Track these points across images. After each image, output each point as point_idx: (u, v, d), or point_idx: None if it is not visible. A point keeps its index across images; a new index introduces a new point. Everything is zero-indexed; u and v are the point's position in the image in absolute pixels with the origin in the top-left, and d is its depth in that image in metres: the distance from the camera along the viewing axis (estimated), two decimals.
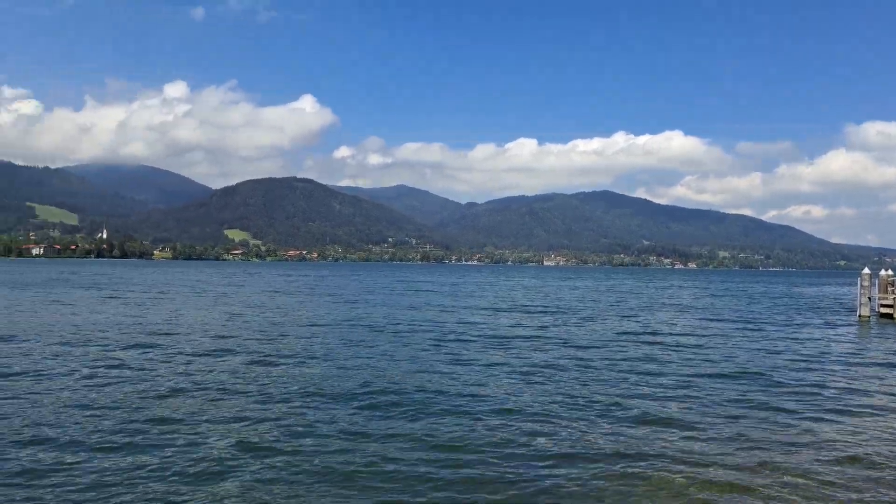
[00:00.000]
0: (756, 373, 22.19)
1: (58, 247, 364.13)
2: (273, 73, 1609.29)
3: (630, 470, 11.96)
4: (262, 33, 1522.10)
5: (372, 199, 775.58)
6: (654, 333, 33.66)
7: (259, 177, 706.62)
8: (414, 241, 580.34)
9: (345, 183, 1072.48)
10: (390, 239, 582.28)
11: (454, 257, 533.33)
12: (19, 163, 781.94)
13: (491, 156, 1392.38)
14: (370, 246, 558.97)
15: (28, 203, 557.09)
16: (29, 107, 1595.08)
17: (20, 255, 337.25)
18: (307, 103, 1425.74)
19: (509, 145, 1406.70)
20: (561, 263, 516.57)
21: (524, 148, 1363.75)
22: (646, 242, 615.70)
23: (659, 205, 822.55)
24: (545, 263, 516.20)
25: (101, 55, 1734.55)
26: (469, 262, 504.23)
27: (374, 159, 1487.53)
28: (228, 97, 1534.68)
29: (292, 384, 18.33)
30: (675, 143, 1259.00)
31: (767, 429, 14.97)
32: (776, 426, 15.22)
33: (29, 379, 18.26)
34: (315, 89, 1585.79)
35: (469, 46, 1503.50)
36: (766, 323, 41.83)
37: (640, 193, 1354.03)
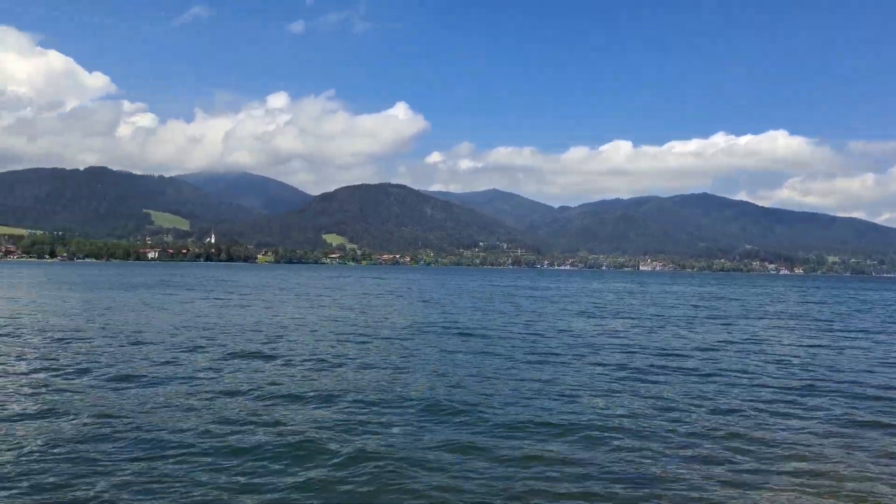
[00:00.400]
0: (871, 388, 20.65)
1: (171, 251, 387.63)
2: (368, 82, 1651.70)
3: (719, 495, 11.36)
4: (358, 43, 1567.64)
5: (463, 203, 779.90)
6: (757, 342, 32.01)
7: (355, 183, 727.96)
8: (505, 246, 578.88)
9: (436, 188, 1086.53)
10: (481, 243, 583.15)
11: (546, 262, 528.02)
12: (137, 172, 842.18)
13: (584, 158, 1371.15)
14: (461, 250, 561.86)
15: (145, 210, 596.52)
16: (145, 119, 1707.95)
17: (138, 258, 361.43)
18: (400, 110, 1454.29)
19: (603, 148, 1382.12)
20: (658, 269, 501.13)
21: (619, 150, 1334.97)
22: (748, 247, 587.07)
23: (762, 208, 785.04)
24: (641, 268, 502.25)
25: (210, 69, 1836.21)
26: (561, 267, 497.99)
27: (465, 164, 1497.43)
28: (326, 106, 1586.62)
29: (388, 390, 18.52)
30: (779, 143, 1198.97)
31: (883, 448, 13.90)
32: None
33: (146, 382, 19.13)
34: (408, 96, 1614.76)
35: (560, 50, 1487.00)
36: (878, 333, 38.89)
37: (742, 196, 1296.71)
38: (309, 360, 22.80)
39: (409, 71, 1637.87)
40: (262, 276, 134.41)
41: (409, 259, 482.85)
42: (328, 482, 11.20)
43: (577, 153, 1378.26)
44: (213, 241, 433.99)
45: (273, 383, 18.81)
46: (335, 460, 12.23)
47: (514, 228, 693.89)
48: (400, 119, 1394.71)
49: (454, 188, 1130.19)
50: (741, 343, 31.71)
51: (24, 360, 21.89)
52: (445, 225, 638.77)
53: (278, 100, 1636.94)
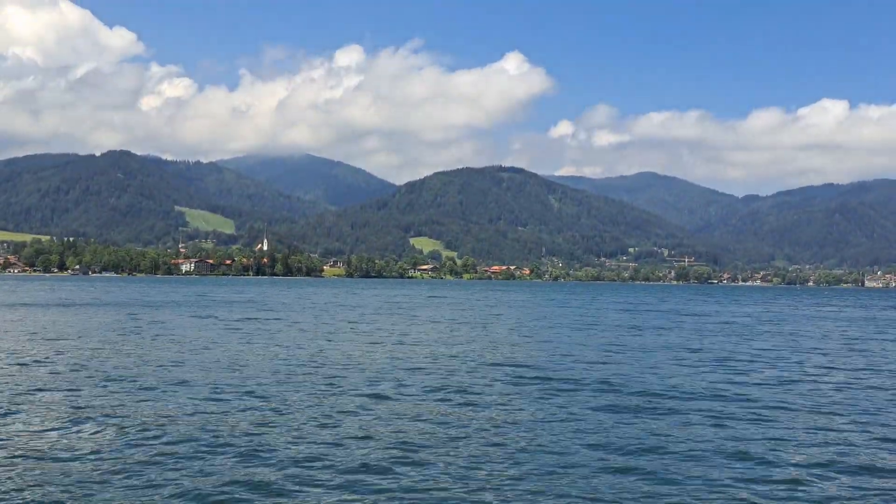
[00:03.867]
0: None
1: (210, 261, 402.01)
2: (468, 26, 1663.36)
3: None
4: None
5: (603, 193, 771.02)
6: None
7: (451, 167, 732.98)
8: (666, 253, 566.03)
9: (565, 172, 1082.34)
10: (631, 250, 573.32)
11: (725, 276, 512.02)
12: (168, 157, 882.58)
13: (775, 126, 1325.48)
14: (602, 259, 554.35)
15: (177, 207, 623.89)
16: (178, 87, 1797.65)
17: (169, 271, 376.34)
18: (512, 63, 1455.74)
19: (803, 111, 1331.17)
20: (893, 284, 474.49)
21: (827, 114, 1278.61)
22: None
23: None
24: (867, 285, 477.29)
25: (257, 17, 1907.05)
26: (750, 283, 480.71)
27: (605, 138, 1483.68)
28: (411, 62, 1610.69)
29: None
30: None
31: None
32: None
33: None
34: (523, 44, 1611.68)
35: None
36: None
37: None
38: None
39: (524, 11, 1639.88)
40: (333, 295, 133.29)
41: (528, 272, 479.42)
42: None
43: (764, 118, 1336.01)
44: (265, 247, 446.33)
45: None
46: None
47: (679, 228, 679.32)
48: (512, 74, 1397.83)
49: (590, 172, 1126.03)
50: None
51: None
52: (579, 223, 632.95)
53: (348, 55, 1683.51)
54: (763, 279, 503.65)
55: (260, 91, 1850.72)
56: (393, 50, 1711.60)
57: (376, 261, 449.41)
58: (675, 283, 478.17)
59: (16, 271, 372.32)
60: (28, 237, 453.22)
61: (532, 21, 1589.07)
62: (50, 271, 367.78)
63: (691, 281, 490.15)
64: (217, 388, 27.35)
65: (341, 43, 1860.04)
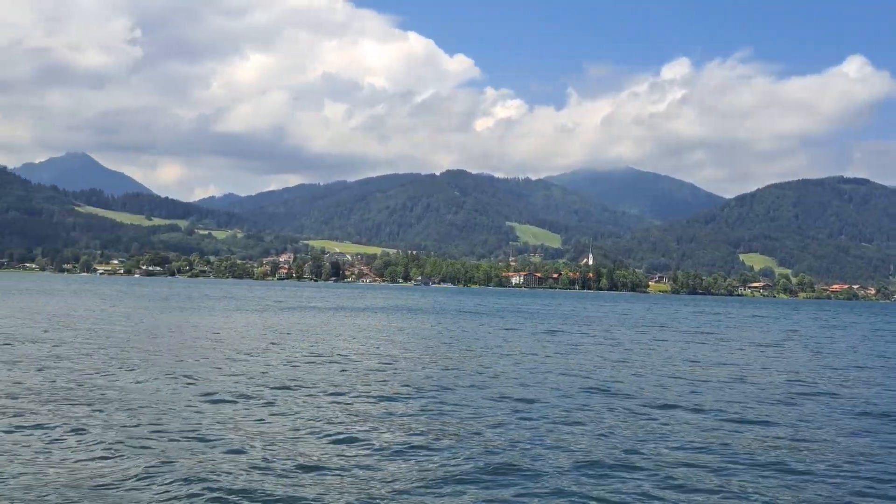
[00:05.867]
0: None
1: (538, 275, 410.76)
2: (801, 29, 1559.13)
3: None
4: None
5: None
6: None
7: (784, 179, 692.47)
8: None
9: None
10: None
11: None
12: (499, 175, 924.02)
13: None
14: None
15: (508, 222, 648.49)
16: (510, 108, 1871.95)
17: (500, 283, 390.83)
18: (853, 67, 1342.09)
19: None
20: None
21: None
22: None
23: None
24: None
25: (581, 35, 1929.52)
26: None
27: None
28: (737, 72, 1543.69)
29: None
30: None
31: None
32: None
33: None
34: (866, 45, 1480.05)
35: None
36: None
37: None
38: None
39: (865, 10, 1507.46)
40: (637, 308, 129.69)
41: (873, 291, 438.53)
42: None
43: None
44: (590, 262, 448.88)
45: None
46: None
47: None
48: (851, 79, 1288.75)
49: None
50: None
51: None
52: None
53: (675, 69, 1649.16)
54: None
55: (585, 108, 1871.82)
56: (720, 61, 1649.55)
57: (703, 277, 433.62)
58: None
59: (367, 281, 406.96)
60: (378, 250, 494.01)
61: (875, 20, 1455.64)
62: (395, 281, 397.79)
63: None
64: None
65: (667, 58, 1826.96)
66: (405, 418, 22.18)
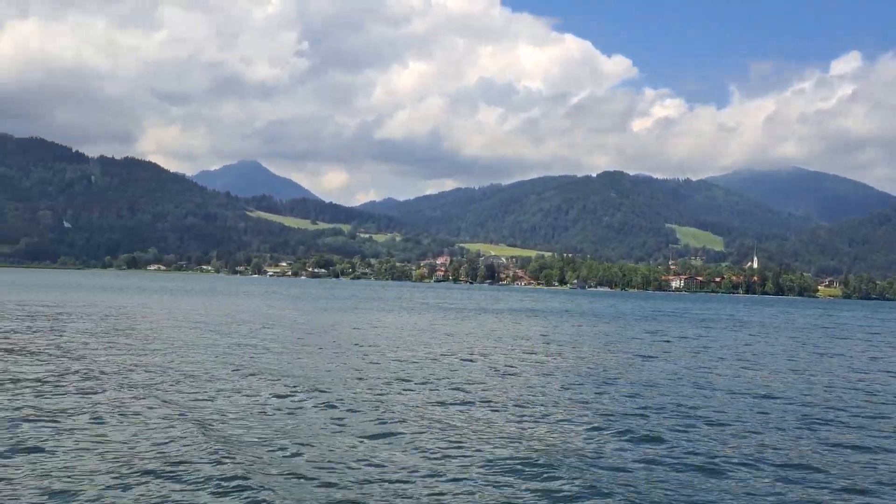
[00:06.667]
0: None
1: (700, 278, 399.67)
2: None
3: None
4: None
5: None
6: None
7: None
8: None
9: None
10: None
11: None
12: (658, 176, 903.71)
13: None
14: None
15: (667, 224, 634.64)
16: (669, 108, 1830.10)
17: (659, 287, 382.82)
18: None
19: None
20: None
21: None
22: None
23: None
24: None
25: (743, 32, 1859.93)
26: None
27: None
28: None
29: None
30: None
31: None
32: None
33: None
34: None
35: None
36: None
37: None
38: None
39: None
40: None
41: None
42: None
43: None
44: (754, 265, 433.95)
45: None
46: None
47: None
48: None
49: None
50: None
51: None
52: None
53: (845, 64, 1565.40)
54: None
55: (748, 107, 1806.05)
56: (893, 54, 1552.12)
57: (877, 281, 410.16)
58: None
59: (522, 284, 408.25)
60: (532, 253, 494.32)
61: None
62: (551, 285, 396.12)
63: None
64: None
65: (837, 52, 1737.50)
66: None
